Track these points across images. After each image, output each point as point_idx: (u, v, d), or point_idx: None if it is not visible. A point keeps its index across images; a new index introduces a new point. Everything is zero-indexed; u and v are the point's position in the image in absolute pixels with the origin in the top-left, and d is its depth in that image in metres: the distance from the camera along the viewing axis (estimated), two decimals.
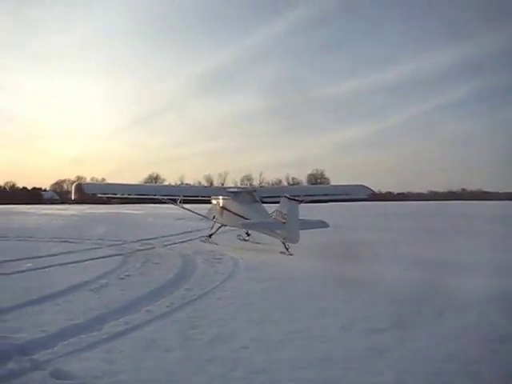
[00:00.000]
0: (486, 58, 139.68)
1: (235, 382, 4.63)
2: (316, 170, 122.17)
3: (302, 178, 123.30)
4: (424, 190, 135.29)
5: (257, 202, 18.03)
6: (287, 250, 15.23)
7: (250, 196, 18.23)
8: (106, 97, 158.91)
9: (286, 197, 15.82)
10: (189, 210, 18.82)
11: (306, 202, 18.22)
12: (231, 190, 19.21)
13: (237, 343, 5.80)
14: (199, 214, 19.52)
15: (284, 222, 15.16)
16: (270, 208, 17.01)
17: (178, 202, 17.95)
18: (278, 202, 17.68)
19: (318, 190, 24.42)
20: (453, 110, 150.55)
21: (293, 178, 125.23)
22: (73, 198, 20.60)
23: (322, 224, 17.83)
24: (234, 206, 17.71)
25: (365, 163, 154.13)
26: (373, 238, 19.79)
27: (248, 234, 18.97)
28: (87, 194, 19.06)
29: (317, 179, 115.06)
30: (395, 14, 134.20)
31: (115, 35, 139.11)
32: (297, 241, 15.06)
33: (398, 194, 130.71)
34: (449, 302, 8.02)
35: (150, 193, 20.66)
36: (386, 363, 5.16)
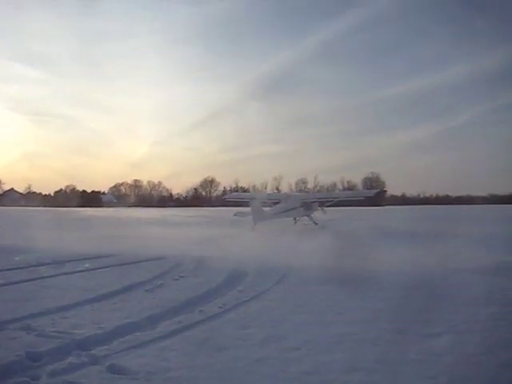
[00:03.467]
0: None
1: (286, 382, 4.65)
2: (372, 173, 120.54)
3: (358, 181, 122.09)
4: (484, 192, 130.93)
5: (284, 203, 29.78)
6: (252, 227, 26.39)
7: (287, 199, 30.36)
8: (164, 102, 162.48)
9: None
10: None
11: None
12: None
13: (288, 344, 5.81)
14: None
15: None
16: None
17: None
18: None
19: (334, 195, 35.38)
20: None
21: (348, 182, 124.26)
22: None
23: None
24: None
25: (422, 166, 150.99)
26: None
27: (316, 224, 29.10)
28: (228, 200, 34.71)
29: (372, 182, 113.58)
30: (456, 12, 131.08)
31: (174, 43, 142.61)
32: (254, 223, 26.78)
33: (456, 197, 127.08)
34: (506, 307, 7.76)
35: (262, 198, 31.95)
36: (440, 368, 5.04)
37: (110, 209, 78.79)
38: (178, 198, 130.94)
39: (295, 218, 29.82)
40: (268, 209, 30.01)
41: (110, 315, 7.11)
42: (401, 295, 8.63)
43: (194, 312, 7.41)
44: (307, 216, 29.93)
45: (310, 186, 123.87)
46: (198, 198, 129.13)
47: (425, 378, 4.79)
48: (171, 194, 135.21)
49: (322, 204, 30.97)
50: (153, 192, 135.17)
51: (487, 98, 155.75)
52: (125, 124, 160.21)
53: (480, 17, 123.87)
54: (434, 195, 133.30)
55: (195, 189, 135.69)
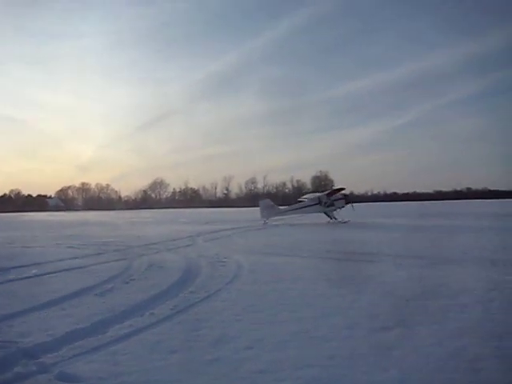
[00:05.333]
0: (493, 55, 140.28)
1: (239, 382, 4.67)
2: (320, 171, 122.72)
3: (307, 180, 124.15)
4: (430, 189, 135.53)
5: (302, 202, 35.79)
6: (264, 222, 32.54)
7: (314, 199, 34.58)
8: (111, 104, 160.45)
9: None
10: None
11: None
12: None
13: (241, 344, 5.82)
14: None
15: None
16: None
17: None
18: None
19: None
20: (457, 108, 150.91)
21: (297, 181, 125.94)
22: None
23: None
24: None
25: (370, 164, 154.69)
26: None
27: (335, 219, 33.03)
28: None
29: (321, 181, 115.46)
30: (399, 13, 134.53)
31: (121, 44, 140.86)
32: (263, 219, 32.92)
33: (404, 194, 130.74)
34: (453, 299, 8.01)
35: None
36: (391, 361, 5.18)
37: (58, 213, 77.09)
38: (127, 201, 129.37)
39: (328, 214, 33.65)
40: (284, 207, 36.45)
41: (59, 321, 6.95)
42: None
43: (144, 315, 7.34)
44: (326, 213, 33.74)
45: (259, 185, 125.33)
46: (147, 199, 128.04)
47: (377, 370, 4.91)
48: (120, 197, 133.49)
49: (350, 201, 34.86)
50: (101, 195, 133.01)
51: (432, 96, 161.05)
52: (72, 126, 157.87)
53: (424, 16, 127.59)
54: (382, 192, 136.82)
55: (144, 191, 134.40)
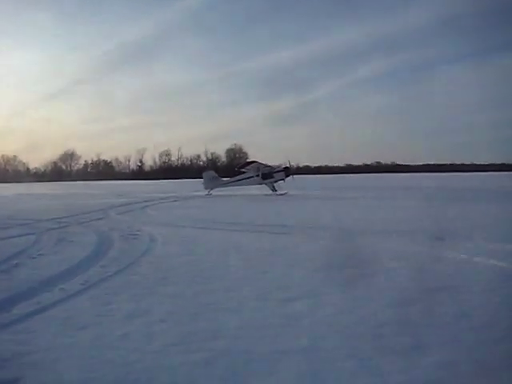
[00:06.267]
0: (399, 36, 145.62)
1: (151, 355, 4.65)
2: (235, 144, 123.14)
3: (221, 152, 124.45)
4: (341, 163, 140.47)
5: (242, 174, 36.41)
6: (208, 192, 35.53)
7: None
8: (18, 71, 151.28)
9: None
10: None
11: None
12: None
13: (153, 317, 5.81)
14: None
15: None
16: None
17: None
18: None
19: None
20: (367, 85, 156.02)
21: (212, 153, 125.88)
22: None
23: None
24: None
25: (283, 137, 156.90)
26: None
27: (275, 190, 34.70)
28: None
29: (235, 154, 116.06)
30: None
31: (27, 4, 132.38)
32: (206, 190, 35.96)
33: (316, 167, 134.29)
34: (361, 270, 8.36)
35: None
36: (300, 330, 5.34)
37: None
38: (35, 173, 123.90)
39: (271, 185, 35.31)
40: (226, 179, 37.92)
41: None
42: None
43: (53, 291, 7.12)
44: (266, 184, 35.44)
45: (173, 158, 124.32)
46: (58, 172, 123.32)
47: (286, 340, 5.04)
48: (28, 169, 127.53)
49: (291, 174, 35.83)
50: (7, 167, 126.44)
51: (343, 73, 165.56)
52: None
53: None
54: (295, 165, 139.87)
55: (54, 162, 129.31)
